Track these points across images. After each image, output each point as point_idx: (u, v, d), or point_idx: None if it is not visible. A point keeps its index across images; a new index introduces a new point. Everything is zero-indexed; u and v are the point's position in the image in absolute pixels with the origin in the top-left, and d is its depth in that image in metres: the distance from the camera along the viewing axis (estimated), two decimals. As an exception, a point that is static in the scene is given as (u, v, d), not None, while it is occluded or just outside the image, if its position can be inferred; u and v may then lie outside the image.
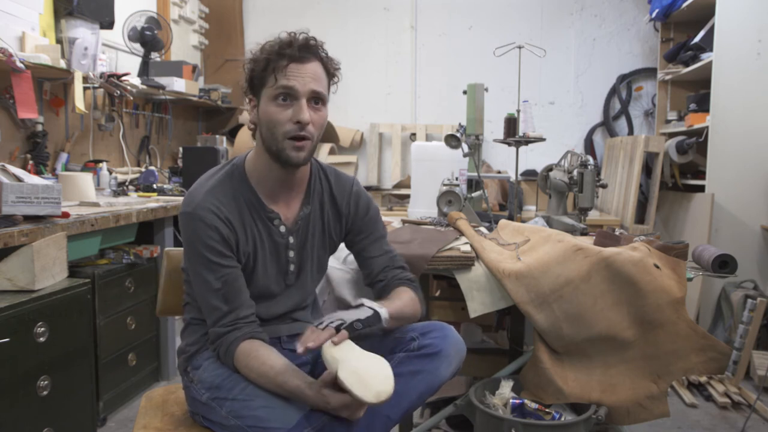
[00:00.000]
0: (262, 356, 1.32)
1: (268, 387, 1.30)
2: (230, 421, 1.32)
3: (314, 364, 1.50)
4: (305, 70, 1.35)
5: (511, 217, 2.64)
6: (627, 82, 4.49)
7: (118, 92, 3.13)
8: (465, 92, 2.89)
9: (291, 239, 1.48)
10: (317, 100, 1.37)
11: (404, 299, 1.47)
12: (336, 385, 1.21)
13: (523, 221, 2.40)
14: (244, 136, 4.33)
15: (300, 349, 1.21)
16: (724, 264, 1.81)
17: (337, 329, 1.26)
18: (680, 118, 3.98)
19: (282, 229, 1.46)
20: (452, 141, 2.41)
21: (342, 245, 1.62)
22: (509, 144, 2.61)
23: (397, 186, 4.47)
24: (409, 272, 1.58)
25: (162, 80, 3.61)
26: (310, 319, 1.57)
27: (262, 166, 1.43)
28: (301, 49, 1.35)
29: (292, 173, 1.44)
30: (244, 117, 4.57)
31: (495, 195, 4.13)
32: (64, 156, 3.02)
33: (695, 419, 2.58)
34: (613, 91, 4.50)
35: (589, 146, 4.54)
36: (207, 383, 1.39)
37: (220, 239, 1.36)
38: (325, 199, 1.53)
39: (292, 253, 1.49)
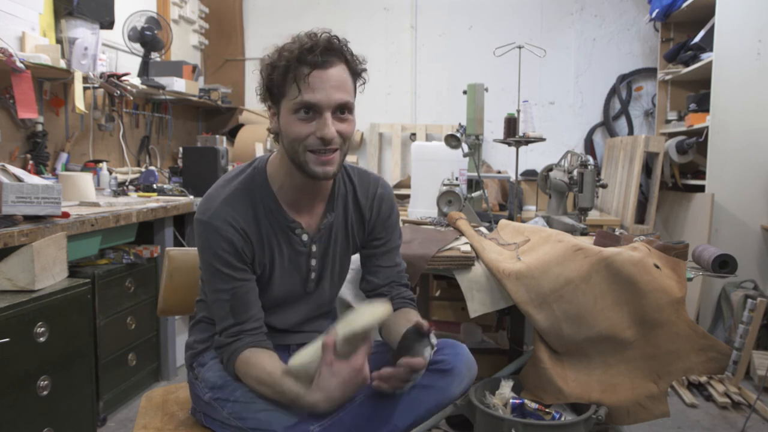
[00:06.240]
0: (261, 362, 1.30)
1: (267, 394, 1.28)
2: (232, 422, 1.31)
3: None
4: (329, 78, 1.25)
5: (511, 217, 2.64)
6: (627, 82, 4.49)
7: (118, 92, 3.13)
8: (465, 92, 2.89)
9: (314, 248, 1.42)
10: (343, 109, 1.29)
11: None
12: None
13: (523, 221, 2.40)
14: (244, 136, 4.33)
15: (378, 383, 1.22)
16: (724, 264, 1.80)
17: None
18: (680, 118, 3.98)
19: (304, 237, 1.40)
20: (452, 141, 2.41)
21: None
22: (509, 144, 2.61)
23: (397, 186, 4.46)
24: (410, 290, 1.55)
25: (162, 80, 3.60)
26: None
27: (285, 173, 1.35)
28: (323, 53, 1.24)
29: (318, 183, 1.36)
30: (244, 117, 4.56)
31: (495, 195, 4.12)
32: (64, 156, 3.02)
33: (695, 419, 2.58)
34: (613, 91, 4.50)
35: (589, 146, 4.54)
36: (210, 383, 1.38)
37: (233, 251, 1.32)
38: (349, 202, 1.46)
39: (314, 262, 1.43)
